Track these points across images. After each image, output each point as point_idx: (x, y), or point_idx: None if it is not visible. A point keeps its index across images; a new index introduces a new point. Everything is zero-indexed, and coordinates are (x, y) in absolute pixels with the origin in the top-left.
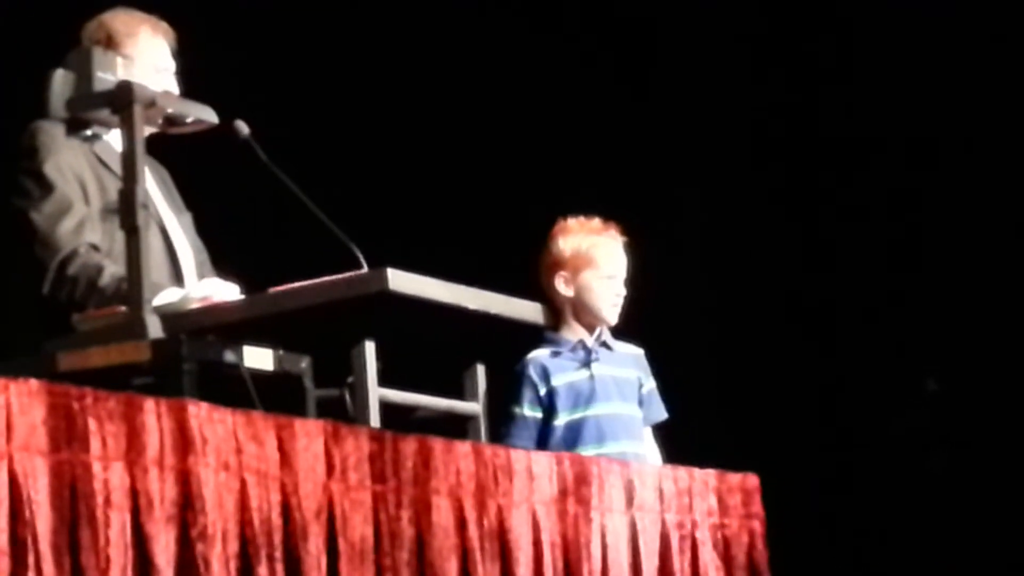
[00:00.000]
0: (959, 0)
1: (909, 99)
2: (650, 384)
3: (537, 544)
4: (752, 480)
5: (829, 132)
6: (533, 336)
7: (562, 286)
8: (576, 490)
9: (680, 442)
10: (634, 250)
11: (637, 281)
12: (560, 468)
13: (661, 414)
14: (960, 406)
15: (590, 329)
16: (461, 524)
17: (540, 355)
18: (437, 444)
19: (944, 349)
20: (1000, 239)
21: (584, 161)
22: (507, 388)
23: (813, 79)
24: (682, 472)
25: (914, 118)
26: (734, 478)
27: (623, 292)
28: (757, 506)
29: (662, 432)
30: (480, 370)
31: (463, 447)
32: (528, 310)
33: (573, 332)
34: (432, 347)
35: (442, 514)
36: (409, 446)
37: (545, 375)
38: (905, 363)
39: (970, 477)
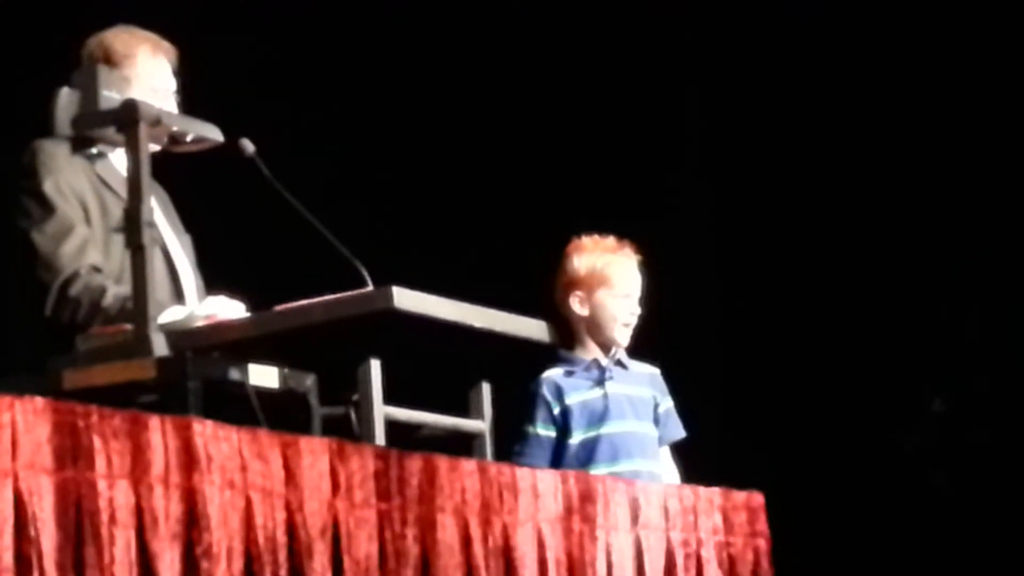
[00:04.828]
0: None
1: (929, 114)
2: (667, 403)
3: (542, 562)
4: (757, 498)
5: (837, 152)
6: (539, 354)
7: (577, 305)
8: (581, 508)
9: (686, 460)
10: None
11: (645, 300)
12: (565, 486)
13: (678, 433)
14: (966, 425)
15: (604, 348)
16: (466, 542)
17: (554, 374)
18: (442, 462)
19: (950, 368)
20: (1003, 258)
21: (591, 178)
22: (521, 407)
23: (828, 92)
24: (687, 490)
25: (930, 139)
26: (739, 496)
27: (637, 311)
28: (762, 524)
29: (674, 450)
30: (485, 388)
31: (468, 465)
32: (533, 328)
33: (587, 351)
34: (437, 365)
35: (447, 532)
36: (414, 464)
37: (559, 394)
38: (911, 382)
39: (976, 496)
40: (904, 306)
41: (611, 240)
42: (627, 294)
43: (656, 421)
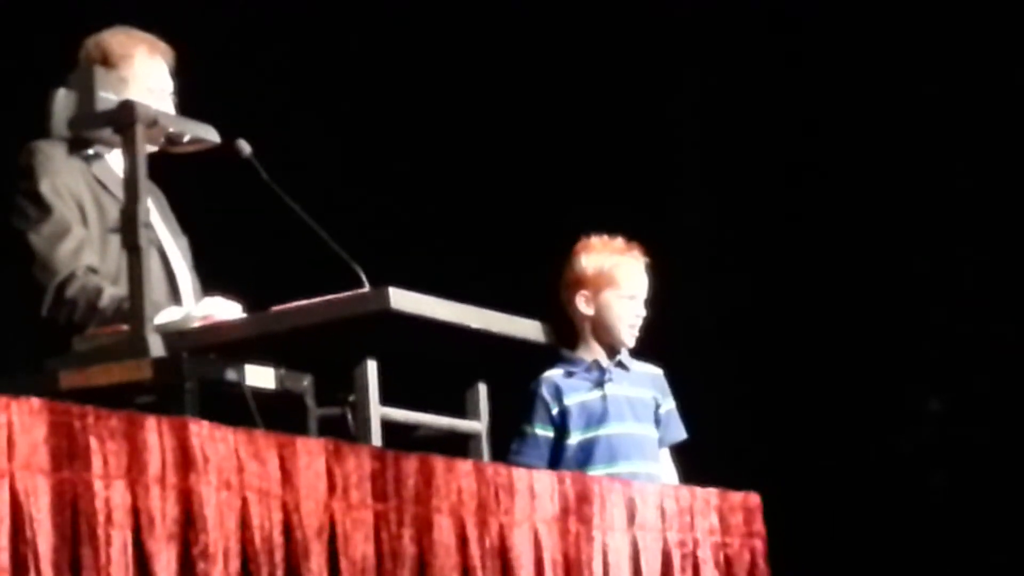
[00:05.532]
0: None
1: (928, 113)
2: (668, 405)
3: (539, 562)
4: (754, 499)
5: (834, 154)
6: (536, 355)
7: (582, 304)
8: (578, 508)
9: (683, 461)
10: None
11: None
12: (562, 487)
13: (680, 435)
14: (962, 425)
15: (608, 348)
16: (463, 542)
17: (554, 374)
18: (439, 463)
19: (946, 368)
20: (1003, 260)
21: (590, 178)
22: (518, 407)
23: (827, 91)
24: (684, 491)
25: (928, 138)
26: (736, 497)
27: (643, 313)
28: (759, 525)
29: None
30: (482, 389)
31: (464, 465)
32: (530, 329)
33: (590, 351)
34: (434, 366)
35: (444, 532)
36: (411, 464)
37: (558, 394)
38: (908, 382)
39: (972, 497)
40: (901, 306)
41: (620, 241)
42: (633, 296)
43: (657, 422)
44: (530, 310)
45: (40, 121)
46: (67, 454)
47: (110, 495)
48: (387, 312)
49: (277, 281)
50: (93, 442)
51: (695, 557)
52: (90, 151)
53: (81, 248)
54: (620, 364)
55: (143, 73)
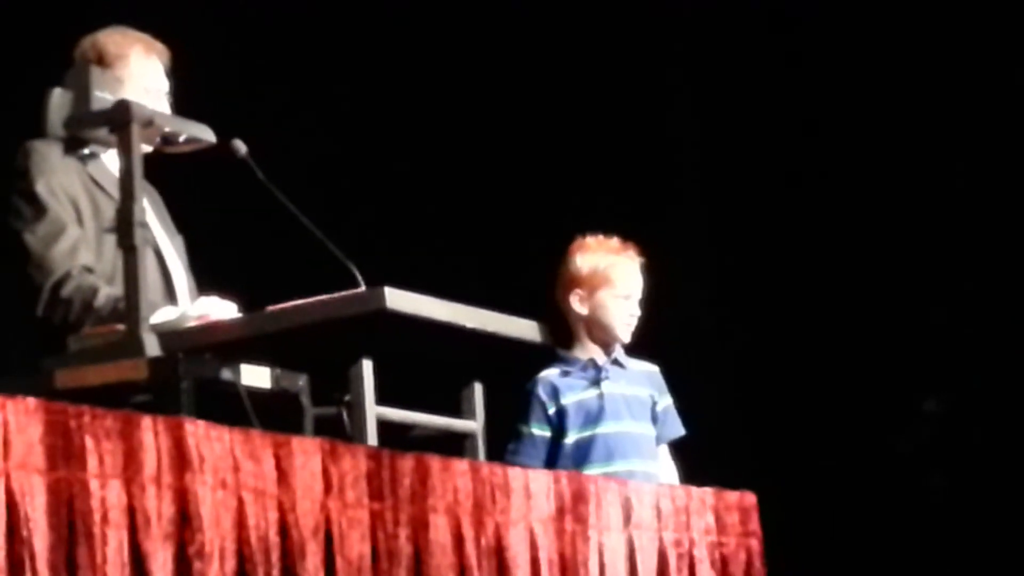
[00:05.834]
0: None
1: (924, 113)
2: (665, 401)
3: (534, 562)
4: (750, 498)
5: (831, 155)
6: (531, 354)
7: (577, 304)
8: (573, 508)
9: (680, 460)
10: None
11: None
12: (557, 486)
13: (677, 431)
14: (960, 426)
15: (603, 347)
16: (459, 542)
17: (550, 374)
18: (434, 462)
19: (944, 368)
20: (1001, 261)
21: (586, 178)
22: (514, 407)
23: (824, 92)
24: (679, 490)
25: (924, 139)
26: (732, 496)
27: (637, 313)
28: (755, 524)
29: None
30: (478, 388)
31: (460, 465)
32: (525, 328)
33: (585, 350)
34: (430, 365)
35: (439, 532)
36: (407, 464)
37: (554, 394)
38: (906, 382)
39: (972, 497)
40: (899, 306)
41: (615, 241)
42: (628, 295)
43: (654, 420)
44: (526, 310)
45: (36, 121)
46: (63, 453)
47: (106, 494)
48: (383, 312)
49: (273, 281)
50: (89, 441)
51: (691, 557)
52: (86, 151)
53: (76, 248)
54: (616, 362)
55: (139, 73)
